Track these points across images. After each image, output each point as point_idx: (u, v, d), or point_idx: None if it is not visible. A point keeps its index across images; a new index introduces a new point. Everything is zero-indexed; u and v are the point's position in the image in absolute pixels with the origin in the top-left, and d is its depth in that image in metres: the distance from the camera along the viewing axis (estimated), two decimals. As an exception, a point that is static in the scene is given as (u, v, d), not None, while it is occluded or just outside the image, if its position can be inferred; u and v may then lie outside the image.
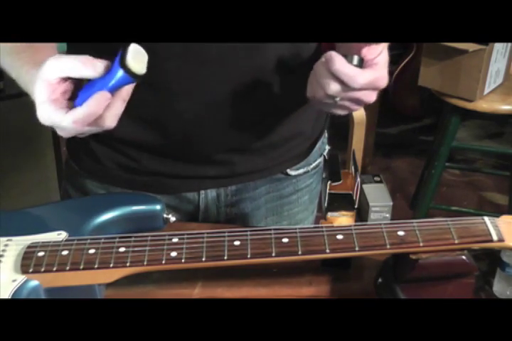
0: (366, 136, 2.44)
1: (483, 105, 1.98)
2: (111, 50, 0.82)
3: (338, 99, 0.76)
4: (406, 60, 2.70)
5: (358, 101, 0.77)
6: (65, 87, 0.72)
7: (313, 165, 1.06)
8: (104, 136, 0.95)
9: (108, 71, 0.70)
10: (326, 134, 1.09)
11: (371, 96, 0.77)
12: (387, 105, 2.80)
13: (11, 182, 1.88)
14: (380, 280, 0.75)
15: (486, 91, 1.98)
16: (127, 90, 0.72)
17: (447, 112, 2.08)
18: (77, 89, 0.73)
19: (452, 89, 1.98)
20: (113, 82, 0.69)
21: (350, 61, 0.74)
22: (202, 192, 0.98)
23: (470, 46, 1.90)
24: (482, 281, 0.73)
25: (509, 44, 2.00)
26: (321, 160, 1.07)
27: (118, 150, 0.95)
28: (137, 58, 0.70)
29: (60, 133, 0.74)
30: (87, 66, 0.70)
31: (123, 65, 0.68)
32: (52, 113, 0.71)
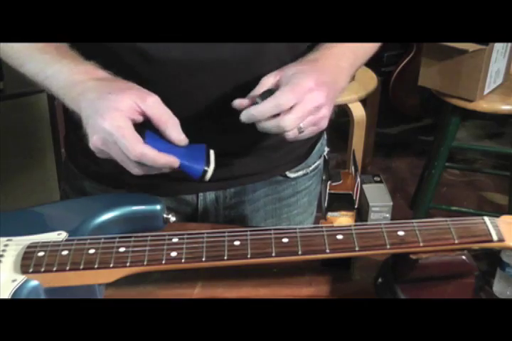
0: (366, 136, 2.44)
1: (483, 105, 1.98)
2: (104, 51, 0.82)
3: (300, 126, 0.77)
4: (406, 60, 2.70)
5: (312, 121, 0.78)
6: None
7: (313, 167, 1.06)
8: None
9: (191, 151, 0.78)
10: (325, 136, 1.09)
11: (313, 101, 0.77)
12: (387, 105, 2.80)
13: (11, 182, 1.88)
14: (380, 280, 0.75)
15: (486, 91, 1.98)
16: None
17: (447, 112, 2.08)
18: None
19: (452, 89, 1.98)
20: (188, 166, 0.77)
21: (258, 101, 0.77)
22: (200, 194, 0.98)
23: (470, 46, 1.90)
24: (482, 281, 0.73)
25: (509, 44, 2.00)
26: (320, 162, 1.07)
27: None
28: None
29: (99, 153, 0.75)
30: (178, 134, 0.76)
31: (207, 166, 0.77)
32: (128, 129, 0.72)
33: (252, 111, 0.76)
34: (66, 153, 1.05)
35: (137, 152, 0.72)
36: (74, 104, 0.77)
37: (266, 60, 0.87)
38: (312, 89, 0.76)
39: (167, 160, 0.74)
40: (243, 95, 0.88)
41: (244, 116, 0.77)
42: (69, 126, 1.01)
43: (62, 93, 0.79)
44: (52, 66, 0.79)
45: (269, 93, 0.77)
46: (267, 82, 0.80)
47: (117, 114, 0.73)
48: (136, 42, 0.81)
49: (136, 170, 0.75)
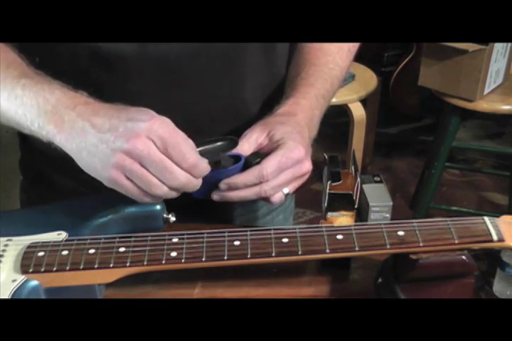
0: (366, 136, 2.45)
1: (483, 105, 1.98)
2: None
3: (286, 191, 0.76)
4: (406, 60, 2.70)
5: (296, 186, 0.77)
6: None
7: None
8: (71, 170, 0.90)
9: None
10: None
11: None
12: (387, 105, 2.80)
13: (11, 182, 1.88)
14: (380, 280, 0.75)
15: (486, 91, 1.98)
16: None
17: (447, 112, 2.08)
18: None
19: (452, 89, 1.99)
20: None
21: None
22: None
23: (470, 46, 1.90)
24: (482, 281, 0.73)
25: (509, 44, 2.00)
26: None
27: (82, 182, 0.86)
28: None
29: (116, 183, 0.70)
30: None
31: None
32: (188, 146, 0.69)
33: (234, 179, 0.74)
34: (24, 183, 1.01)
35: (193, 159, 0.69)
36: (66, 133, 0.70)
37: (243, 70, 0.85)
38: (301, 160, 0.75)
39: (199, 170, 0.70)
40: (220, 110, 0.86)
41: (224, 184, 0.74)
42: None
43: (43, 121, 0.71)
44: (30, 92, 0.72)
45: (255, 156, 0.76)
46: (251, 137, 0.77)
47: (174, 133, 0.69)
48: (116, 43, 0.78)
49: (164, 193, 0.70)
